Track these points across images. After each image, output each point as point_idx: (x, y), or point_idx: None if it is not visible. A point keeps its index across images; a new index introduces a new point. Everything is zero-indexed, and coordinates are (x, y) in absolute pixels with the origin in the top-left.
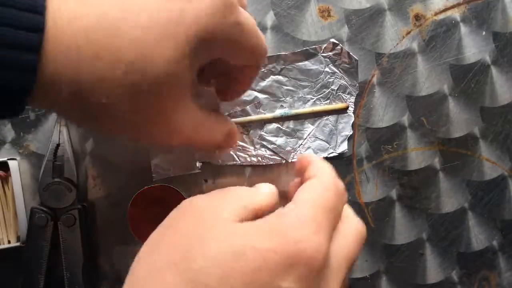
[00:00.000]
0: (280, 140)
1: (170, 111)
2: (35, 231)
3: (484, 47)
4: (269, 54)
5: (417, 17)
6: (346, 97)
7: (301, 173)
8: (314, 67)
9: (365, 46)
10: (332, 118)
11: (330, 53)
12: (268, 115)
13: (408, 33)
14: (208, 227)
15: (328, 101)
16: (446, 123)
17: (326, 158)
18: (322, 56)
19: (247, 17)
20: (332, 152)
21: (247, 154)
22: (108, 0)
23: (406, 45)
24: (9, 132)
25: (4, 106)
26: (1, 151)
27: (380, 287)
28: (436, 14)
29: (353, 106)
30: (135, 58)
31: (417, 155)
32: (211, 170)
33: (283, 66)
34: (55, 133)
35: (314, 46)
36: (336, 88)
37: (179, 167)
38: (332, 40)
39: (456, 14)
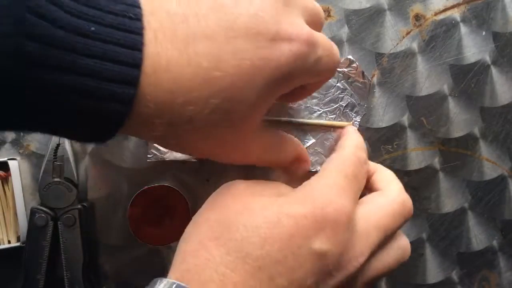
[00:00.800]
0: None
1: (244, 141)
2: (35, 231)
3: (484, 47)
4: None
5: (417, 17)
6: (352, 115)
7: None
8: None
9: (365, 46)
10: (334, 134)
11: (345, 69)
12: (272, 118)
13: (408, 33)
14: (248, 202)
15: (334, 116)
16: (446, 123)
17: None
18: (337, 70)
19: (325, 46)
20: None
21: None
22: (203, 50)
23: (406, 45)
24: (9, 132)
25: (97, 132)
26: (1, 151)
27: (380, 287)
28: (436, 14)
29: (357, 126)
30: (221, 102)
31: (417, 155)
32: (212, 170)
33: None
34: None
35: None
36: (344, 105)
37: (176, 152)
38: (349, 57)
39: (456, 14)
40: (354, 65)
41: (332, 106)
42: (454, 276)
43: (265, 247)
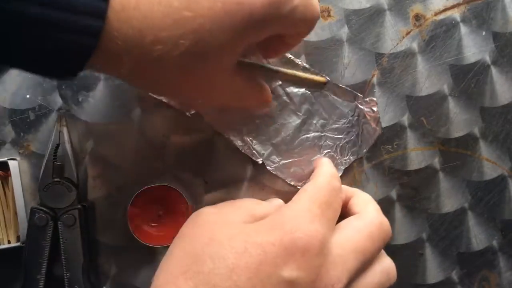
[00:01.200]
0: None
1: (213, 84)
2: (35, 231)
3: (484, 47)
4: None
5: (417, 17)
6: (348, 153)
7: None
8: (343, 109)
9: (365, 46)
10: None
11: (365, 108)
12: (245, 60)
13: (408, 33)
14: (215, 232)
15: (332, 144)
16: (446, 123)
17: None
18: (358, 105)
19: None
20: None
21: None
22: None
23: (406, 45)
24: (9, 132)
25: (64, 65)
26: (1, 151)
27: None
28: (436, 14)
29: (347, 165)
30: (191, 43)
31: (417, 155)
32: (211, 171)
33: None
34: (55, 133)
35: (356, 93)
36: (346, 140)
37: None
38: (375, 99)
39: (456, 14)
40: (375, 109)
41: (335, 134)
42: (454, 276)
43: (232, 277)
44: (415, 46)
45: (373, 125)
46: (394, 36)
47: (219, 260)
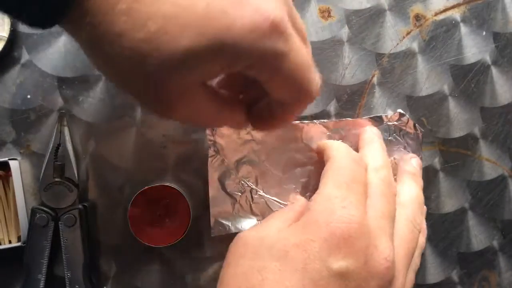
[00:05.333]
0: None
1: (178, 96)
2: (36, 231)
3: (484, 47)
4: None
5: (417, 17)
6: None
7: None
8: None
9: (365, 46)
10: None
11: (396, 123)
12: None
13: (408, 33)
14: (256, 247)
15: None
16: (446, 123)
17: None
18: (388, 124)
19: (297, 48)
20: None
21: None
22: None
23: (406, 45)
24: (10, 132)
25: (39, 15)
26: (2, 151)
27: None
28: (436, 14)
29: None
30: (157, 30)
31: None
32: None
33: (345, 134)
34: (55, 133)
35: (380, 115)
36: (398, 158)
37: (238, 222)
38: (399, 110)
39: (456, 14)
40: (405, 118)
41: None
42: (454, 276)
43: (283, 282)
44: (415, 46)
45: (412, 131)
46: (394, 36)
47: (265, 271)
